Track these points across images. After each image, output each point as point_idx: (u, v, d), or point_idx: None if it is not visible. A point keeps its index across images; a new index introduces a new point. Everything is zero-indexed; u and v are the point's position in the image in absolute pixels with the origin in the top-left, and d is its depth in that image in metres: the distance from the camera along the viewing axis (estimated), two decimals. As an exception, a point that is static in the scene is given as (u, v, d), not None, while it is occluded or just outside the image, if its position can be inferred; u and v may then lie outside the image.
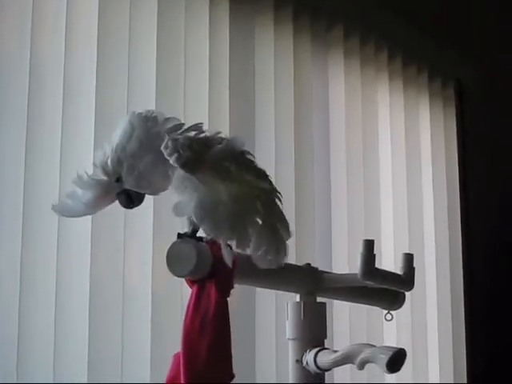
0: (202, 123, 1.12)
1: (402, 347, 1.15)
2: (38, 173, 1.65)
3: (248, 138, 2.05)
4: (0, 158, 1.61)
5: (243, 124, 2.13)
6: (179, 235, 1.11)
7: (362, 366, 1.16)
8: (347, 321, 2.38)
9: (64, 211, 1.11)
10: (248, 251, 1.09)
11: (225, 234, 1.07)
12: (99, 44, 1.80)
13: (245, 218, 1.09)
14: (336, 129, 2.50)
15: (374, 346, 1.17)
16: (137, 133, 1.08)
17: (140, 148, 1.08)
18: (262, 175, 1.13)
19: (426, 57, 2.93)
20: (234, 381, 1.08)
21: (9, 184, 1.62)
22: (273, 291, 1.97)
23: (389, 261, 2.45)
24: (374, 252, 1.24)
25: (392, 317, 1.44)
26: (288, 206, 1.30)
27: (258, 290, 1.99)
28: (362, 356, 1.15)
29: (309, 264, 1.32)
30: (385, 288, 1.34)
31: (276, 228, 1.11)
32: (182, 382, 1.05)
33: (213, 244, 1.09)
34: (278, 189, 1.15)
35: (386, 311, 1.44)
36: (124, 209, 1.11)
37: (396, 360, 1.12)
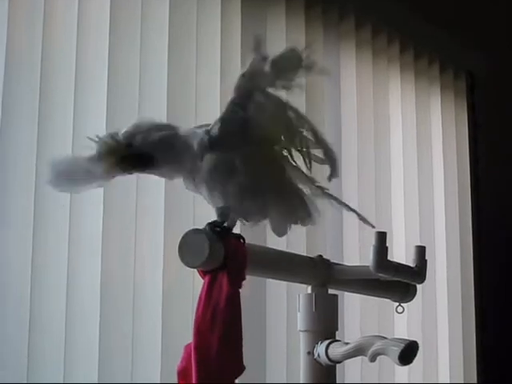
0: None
1: (414, 339, 1.15)
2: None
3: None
4: (12, 150, 1.61)
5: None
6: (209, 225, 1.08)
7: (373, 359, 1.16)
8: (358, 313, 2.38)
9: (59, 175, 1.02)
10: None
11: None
12: (111, 38, 1.79)
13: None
14: (347, 120, 2.49)
15: (386, 338, 1.16)
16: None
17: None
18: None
19: (437, 48, 2.91)
20: (245, 372, 1.08)
21: (20, 177, 1.62)
22: (284, 283, 1.97)
23: (400, 253, 2.44)
24: (386, 244, 1.23)
25: (403, 309, 1.43)
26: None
27: (269, 281, 1.99)
28: (373, 348, 1.14)
29: (321, 256, 1.31)
30: (396, 280, 1.33)
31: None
32: (193, 372, 1.04)
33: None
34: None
35: (397, 304, 1.43)
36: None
37: (408, 352, 1.11)
